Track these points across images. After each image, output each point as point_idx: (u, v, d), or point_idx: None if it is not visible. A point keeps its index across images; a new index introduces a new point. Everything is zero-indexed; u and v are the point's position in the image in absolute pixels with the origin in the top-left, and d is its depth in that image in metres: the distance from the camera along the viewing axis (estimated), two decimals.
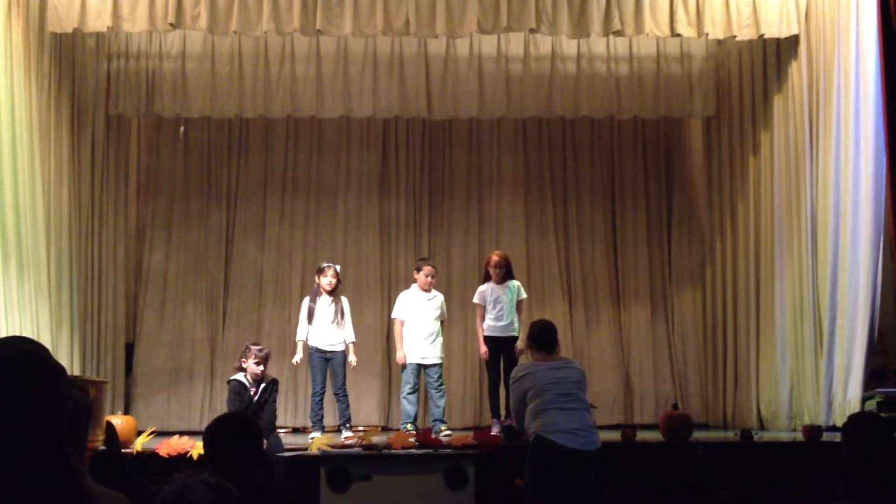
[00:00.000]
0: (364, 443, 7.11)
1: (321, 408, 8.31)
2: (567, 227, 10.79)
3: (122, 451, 6.94)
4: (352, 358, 8.33)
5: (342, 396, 8.32)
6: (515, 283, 8.47)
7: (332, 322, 8.31)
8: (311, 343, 8.30)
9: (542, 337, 5.97)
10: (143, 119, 10.32)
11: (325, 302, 8.35)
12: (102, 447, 6.82)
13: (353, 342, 8.39)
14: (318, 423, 8.26)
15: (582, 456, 5.52)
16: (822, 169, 8.28)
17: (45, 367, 1.76)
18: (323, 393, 8.31)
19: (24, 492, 1.51)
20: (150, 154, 10.61)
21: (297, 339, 8.44)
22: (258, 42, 9.51)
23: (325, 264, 8.49)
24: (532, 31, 8.61)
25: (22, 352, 1.77)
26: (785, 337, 8.74)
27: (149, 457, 6.84)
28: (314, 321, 8.31)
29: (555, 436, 5.49)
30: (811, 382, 8.30)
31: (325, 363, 8.29)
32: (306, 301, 8.46)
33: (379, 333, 10.13)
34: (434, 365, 8.39)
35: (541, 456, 5.54)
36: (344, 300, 8.46)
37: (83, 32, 8.54)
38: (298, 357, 8.36)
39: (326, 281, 8.35)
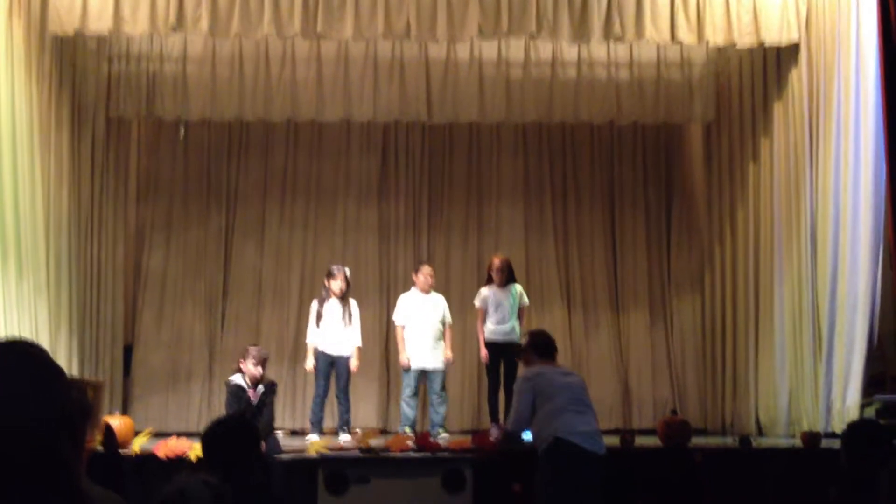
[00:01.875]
0: (362, 446, 7.11)
1: (322, 409, 8.30)
2: (566, 232, 10.79)
3: (120, 452, 6.94)
4: (353, 363, 8.32)
5: (343, 399, 8.30)
6: (518, 287, 8.49)
7: (340, 325, 8.30)
8: (319, 346, 8.29)
9: (546, 345, 5.97)
10: (143, 121, 10.32)
11: (333, 305, 8.34)
12: (100, 448, 6.83)
13: (359, 346, 8.38)
14: (318, 425, 8.25)
15: (598, 459, 5.52)
16: (821, 175, 8.29)
17: (43, 369, 1.76)
18: (325, 395, 8.30)
19: (22, 494, 1.50)
20: (150, 156, 10.62)
21: (307, 342, 8.43)
22: (259, 45, 9.51)
23: (335, 267, 8.47)
24: (532, 35, 8.61)
25: (20, 353, 1.76)
26: (784, 343, 8.74)
27: (146, 458, 6.83)
28: (322, 324, 8.30)
29: (575, 437, 5.47)
30: (810, 388, 8.29)
31: (330, 367, 8.28)
32: (315, 304, 8.45)
33: (377, 336, 10.12)
34: (437, 371, 8.37)
35: (562, 457, 5.47)
36: (353, 303, 8.44)
37: (84, 34, 8.54)
38: (310, 363, 8.31)
39: (337, 285, 8.33)
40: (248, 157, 10.66)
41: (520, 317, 8.43)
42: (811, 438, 7.27)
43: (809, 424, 8.09)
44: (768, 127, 9.23)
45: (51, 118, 8.50)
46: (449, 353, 8.50)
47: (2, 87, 7.57)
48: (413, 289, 8.58)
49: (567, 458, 5.46)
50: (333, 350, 8.27)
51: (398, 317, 8.54)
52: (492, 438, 7.40)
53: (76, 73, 9.12)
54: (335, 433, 8.31)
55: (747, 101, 9.56)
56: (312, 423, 8.29)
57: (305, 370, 8.56)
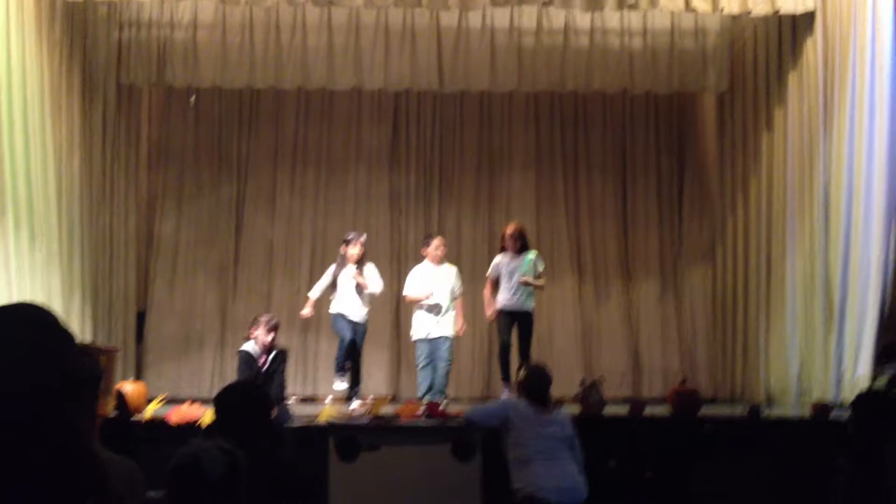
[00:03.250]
0: (373, 413, 7.15)
1: (348, 357, 8.40)
2: (578, 203, 10.76)
3: (133, 417, 7.00)
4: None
5: (356, 365, 8.44)
6: (531, 255, 8.50)
7: (356, 292, 8.40)
8: (336, 309, 8.46)
9: (539, 389, 5.90)
10: (153, 88, 10.30)
11: (349, 272, 8.41)
12: (113, 414, 6.89)
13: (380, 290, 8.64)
14: (342, 372, 8.39)
15: None
16: (835, 146, 8.23)
17: (53, 333, 1.77)
18: (350, 345, 8.37)
19: (30, 457, 1.52)
20: (161, 124, 10.61)
21: (308, 295, 8.61)
22: (269, 12, 9.45)
23: (352, 235, 8.55)
24: (545, 3, 8.55)
25: (30, 318, 1.78)
26: (795, 314, 8.71)
27: (159, 424, 6.89)
28: (338, 291, 8.42)
29: (544, 493, 5.47)
30: (820, 359, 8.28)
31: (351, 327, 8.42)
32: (332, 268, 8.56)
33: (388, 306, 10.14)
34: (444, 338, 8.45)
35: None
36: (368, 267, 8.56)
37: (95, 0, 8.50)
38: (306, 311, 8.62)
39: (355, 252, 8.41)
40: (259, 126, 10.65)
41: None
42: (821, 409, 7.27)
43: (819, 395, 8.09)
44: (782, 97, 9.15)
45: (62, 85, 8.49)
46: (461, 323, 8.57)
47: (13, 54, 7.55)
48: (425, 261, 8.64)
49: None
50: (353, 315, 8.43)
51: (409, 290, 8.64)
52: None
53: (87, 40, 9.10)
54: (346, 399, 8.36)
55: (762, 70, 9.47)
56: (338, 369, 8.43)
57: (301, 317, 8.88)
